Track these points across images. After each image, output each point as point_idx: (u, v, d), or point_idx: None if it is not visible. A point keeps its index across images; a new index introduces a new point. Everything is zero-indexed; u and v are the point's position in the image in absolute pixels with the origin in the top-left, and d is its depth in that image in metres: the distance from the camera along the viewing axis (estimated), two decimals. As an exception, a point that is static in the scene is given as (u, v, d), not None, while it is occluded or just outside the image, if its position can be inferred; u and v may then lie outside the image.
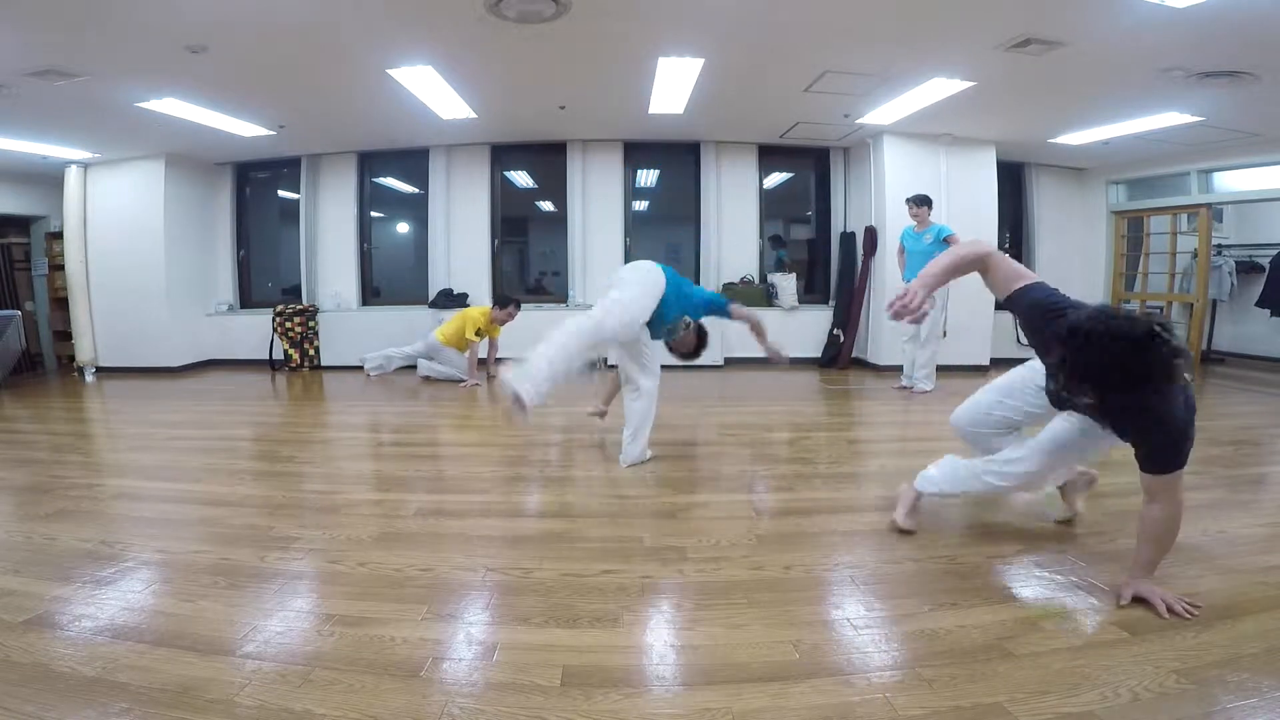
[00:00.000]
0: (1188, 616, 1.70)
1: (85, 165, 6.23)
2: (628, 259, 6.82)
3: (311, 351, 6.64)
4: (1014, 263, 1.91)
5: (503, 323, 5.68)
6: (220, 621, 1.71)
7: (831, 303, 6.81)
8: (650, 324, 3.09)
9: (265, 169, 7.08)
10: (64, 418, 4.71)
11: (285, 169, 6.98)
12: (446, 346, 5.67)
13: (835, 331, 6.59)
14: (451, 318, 5.80)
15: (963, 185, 6.06)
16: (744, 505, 2.63)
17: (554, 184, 6.93)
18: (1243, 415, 4.52)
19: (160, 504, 2.68)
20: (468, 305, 6.67)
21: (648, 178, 7.37)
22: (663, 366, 3.28)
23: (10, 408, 4.98)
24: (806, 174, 7.22)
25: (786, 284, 6.68)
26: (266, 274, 7.36)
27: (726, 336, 6.50)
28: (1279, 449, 3.67)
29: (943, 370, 5.40)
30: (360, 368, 6.17)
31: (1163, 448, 1.69)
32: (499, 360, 6.09)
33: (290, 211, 7.04)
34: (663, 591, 1.89)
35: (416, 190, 7.11)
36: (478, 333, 5.61)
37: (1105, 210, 6.93)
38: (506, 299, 5.68)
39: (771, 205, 7.31)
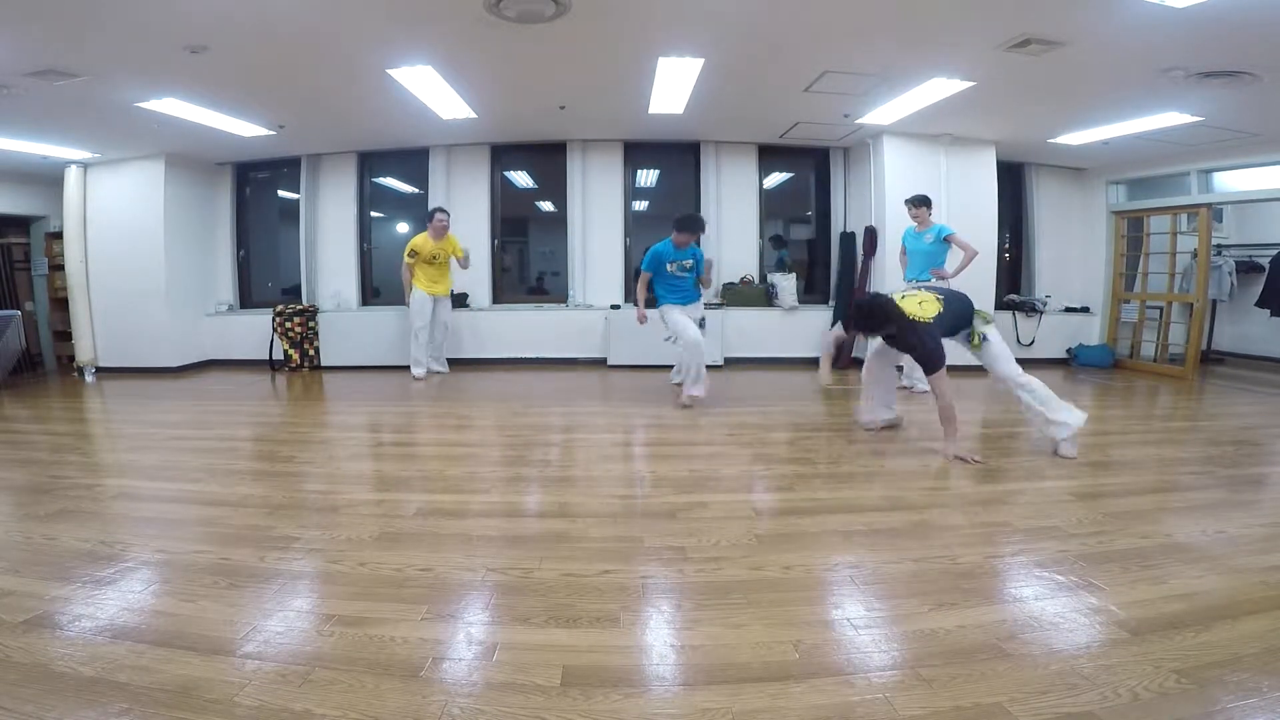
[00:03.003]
0: (973, 462, 3.08)
1: (85, 165, 6.23)
2: (628, 259, 6.82)
3: (311, 352, 6.64)
4: None
5: (440, 235, 5.81)
6: (220, 621, 1.71)
7: (831, 303, 6.80)
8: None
9: (265, 169, 7.08)
10: (64, 418, 4.70)
11: (285, 169, 6.98)
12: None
13: (835, 331, 6.58)
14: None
15: (963, 185, 6.05)
16: (744, 505, 2.62)
17: (554, 184, 6.93)
18: (1243, 415, 4.52)
19: (160, 504, 2.68)
20: (467, 305, 6.70)
21: (648, 178, 7.35)
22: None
23: (10, 408, 4.97)
24: (806, 174, 7.21)
25: (787, 284, 6.68)
26: (266, 274, 7.36)
27: (725, 336, 6.52)
28: (1279, 449, 3.67)
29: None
30: (408, 371, 6.15)
31: (923, 358, 3.16)
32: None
33: (290, 211, 7.03)
34: (663, 591, 1.89)
35: (416, 190, 7.10)
36: (412, 254, 5.74)
37: (1105, 210, 6.93)
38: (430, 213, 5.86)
39: (771, 205, 7.30)
